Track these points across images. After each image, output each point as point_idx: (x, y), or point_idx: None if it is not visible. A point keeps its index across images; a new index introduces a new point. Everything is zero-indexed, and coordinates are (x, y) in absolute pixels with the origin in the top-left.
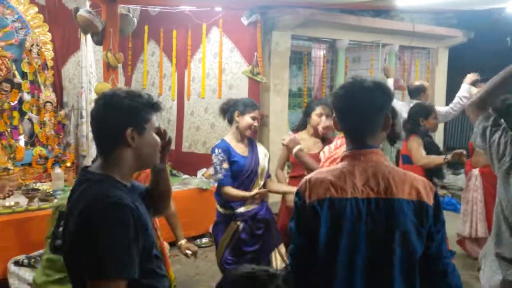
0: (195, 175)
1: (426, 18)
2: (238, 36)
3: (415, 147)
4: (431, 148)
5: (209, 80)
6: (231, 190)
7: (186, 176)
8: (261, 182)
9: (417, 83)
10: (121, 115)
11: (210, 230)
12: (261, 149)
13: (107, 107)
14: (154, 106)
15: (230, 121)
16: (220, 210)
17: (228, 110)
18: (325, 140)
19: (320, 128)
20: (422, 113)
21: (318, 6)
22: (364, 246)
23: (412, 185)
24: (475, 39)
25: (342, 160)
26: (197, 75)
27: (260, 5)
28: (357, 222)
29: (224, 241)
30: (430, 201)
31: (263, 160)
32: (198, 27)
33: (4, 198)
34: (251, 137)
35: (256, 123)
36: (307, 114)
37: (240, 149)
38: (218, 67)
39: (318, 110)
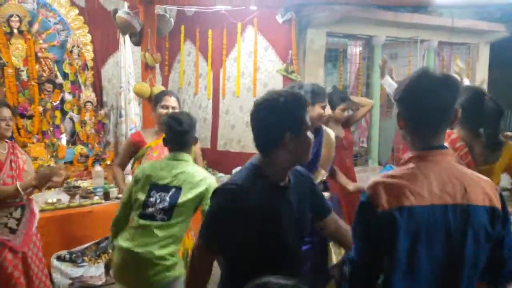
0: (230, 173)
1: (466, 13)
2: (273, 34)
3: None
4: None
5: (244, 79)
6: None
7: (221, 174)
8: (324, 172)
9: None
10: (281, 121)
11: None
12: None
13: (268, 113)
14: (306, 105)
15: None
16: None
17: None
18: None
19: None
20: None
21: (354, 3)
22: (442, 253)
23: (484, 190)
24: None
25: (409, 161)
26: (232, 74)
27: (295, 3)
28: (435, 230)
29: None
30: (499, 204)
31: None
32: (233, 26)
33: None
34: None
35: (326, 112)
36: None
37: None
38: (253, 65)
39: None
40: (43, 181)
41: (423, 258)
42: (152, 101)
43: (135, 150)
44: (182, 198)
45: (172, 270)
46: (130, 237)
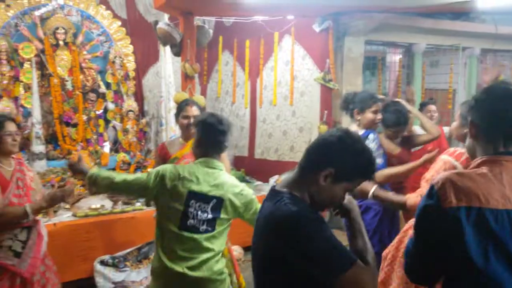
0: (267, 181)
1: (510, 19)
2: (310, 43)
3: None
4: None
5: (280, 88)
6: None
7: (258, 182)
8: None
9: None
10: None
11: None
12: None
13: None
14: None
15: (352, 117)
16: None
17: (348, 108)
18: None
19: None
20: None
21: (393, 10)
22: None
23: None
24: None
25: (481, 164)
26: (269, 83)
27: (332, 12)
28: (508, 235)
29: None
30: None
31: None
32: (270, 36)
33: (72, 204)
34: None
35: (379, 116)
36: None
37: None
38: (289, 74)
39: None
40: (54, 203)
41: (493, 262)
42: None
43: (163, 162)
44: (225, 211)
45: (225, 285)
46: (178, 256)
